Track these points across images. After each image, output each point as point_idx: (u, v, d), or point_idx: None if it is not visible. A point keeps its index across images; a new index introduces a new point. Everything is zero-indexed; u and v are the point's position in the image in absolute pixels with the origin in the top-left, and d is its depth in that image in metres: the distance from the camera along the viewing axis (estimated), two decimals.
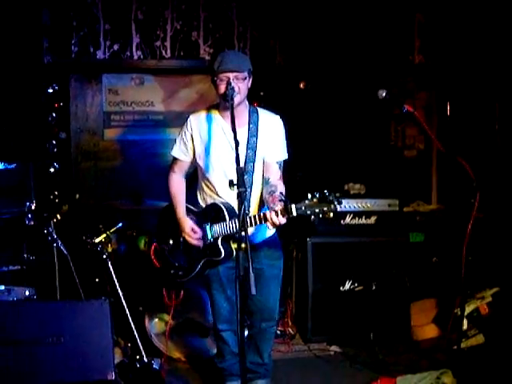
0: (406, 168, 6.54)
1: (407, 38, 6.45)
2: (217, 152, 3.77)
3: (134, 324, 4.44)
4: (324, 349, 5.13)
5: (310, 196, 3.29)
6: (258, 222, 3.50)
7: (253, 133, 3.74)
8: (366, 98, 5.87)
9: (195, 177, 4.04)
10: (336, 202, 3.24)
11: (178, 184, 4.01)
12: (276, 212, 3.39)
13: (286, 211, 3.35)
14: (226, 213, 3.70)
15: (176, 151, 3.95)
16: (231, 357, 4.08)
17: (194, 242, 3.86)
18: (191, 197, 4.04)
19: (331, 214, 3.28)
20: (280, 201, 3.43)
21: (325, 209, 3.26)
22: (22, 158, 5.44)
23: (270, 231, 3.89)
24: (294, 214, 3.33)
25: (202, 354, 4.77)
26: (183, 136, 3.88)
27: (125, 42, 6.20)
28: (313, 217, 3.31)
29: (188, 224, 3.89)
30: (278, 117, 3.89)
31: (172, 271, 4.02)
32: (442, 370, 4.48)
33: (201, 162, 3.86)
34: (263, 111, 3.86)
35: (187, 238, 3.88)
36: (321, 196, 3.26)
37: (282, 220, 3.39)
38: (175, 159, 3.98)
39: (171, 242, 4.02)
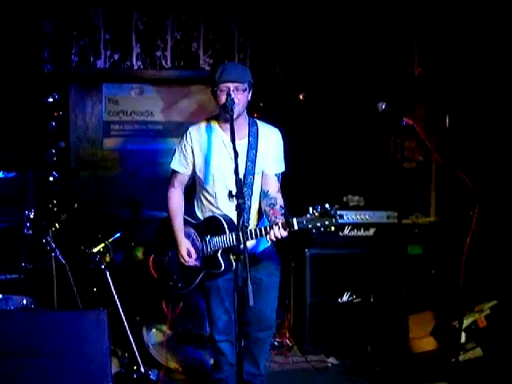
0: (404, 180, 6.53)
1: (407, 51, 6.46)
2: (216, 164, 3.77)
3: (131, 334, 4.43)
4: (322, 360, 5.12)
5: (311, 210, 3.31)
6: (259, 235, 3.53)
7: (252, 145, 3.75)
8: (366, 109, 5.88)
9: (193, 188, 4.03)
10: (338, 217, 3.26)
11: (177, 200, 3.99)
12: (278, 226, 3.41)
13: (287, 225, 3.38)
14: (225, 225, 3.70)
15: (176, 164, 3.93)
16: (228, 367, 4.05)
17: (189, 265, 3.87)
18: (189, 208, 4.03)
19: (332, 228, 3.30)
20: (281, 214, 3.45)
21: (326, 223, 3.29)
22: (21, 166, 5.45)
23: (269, 242, 3.89)
24: (296, 227, 3.36)
25: (199, 364, 4.76)
26: (183, 149, 3.88)
27: (125, 51, 6.21)
28: (314, 230, 3.32)
29: (184, 246, 3.89)
30: (276, 130, 3.90)
31: (171, 283, 4.02)
32: (439, 383, 4.47)
33: (200, 174, 3.86)
34: (262, 124, 3.87)
35: (181, 260, 3.89)
36: (322, 210, 3.28)
37: (284, 233, 3.42)
38: (175, 172, 3.96)
39: (170, 254, 4.01)
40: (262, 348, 4.09)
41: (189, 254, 3.87)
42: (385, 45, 6.36)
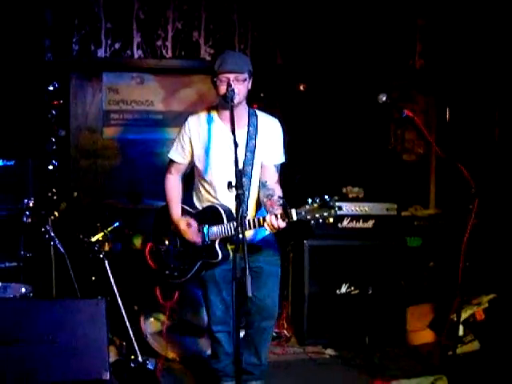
0: (404, 172, 6.53)
1: (408, 43, 6.45)
2: (216, 154, 3.77)
3: (129, 323, 4.43)
4: (319, 352, 5.12)
5: (310, 201, 3.30)
6: (257, 226, 3.52)
7: (252, 135, 3.74)
8: (366, 101, 5.87)
9: (191, 178, 4.03)
10: (336, 208, 3.26)
11: (174, 186, 3.99)
12: (276, 216, 3.41)
13: (285, 215, 3.37)
14: (223, 215, 3.69)
15: (173, 154, 3.93)
16: (226, 357, 4.07)
17: (193, 238, 3.82)
18: (187, 197, 4.02)
19: (331, 220, 3.29)
20: (280, 205, 3.43)
21: (325, 214, 3.28)
22: (21, 154, 5.45)
23: (267, 231, 3.88)
24: (294, 218, 3.35)
25: (196, 354, 4.76)
26: (181, 138, 3.87)
27: (126, 40, 6.21)
28: (312, 222, 3.31)
29: (183, 222, 3.87)
30: (276, 120, 3.90)
31: (167, 272, 4.01)
32: (436, 376, 4.48)
33: (199, 164, 3.85)
34: (262, 114, 3.86)
35: (185, 235, 3.85)
36: (321, 201, 3.27)
37: (282, 224, 3.41)
38: (172, 161, 3.96)
39: (167, 242, 4.01)
40: (264, 338, 4.07)
41: (189, 225, 3.84)
42: (386, 36, 6.35)
